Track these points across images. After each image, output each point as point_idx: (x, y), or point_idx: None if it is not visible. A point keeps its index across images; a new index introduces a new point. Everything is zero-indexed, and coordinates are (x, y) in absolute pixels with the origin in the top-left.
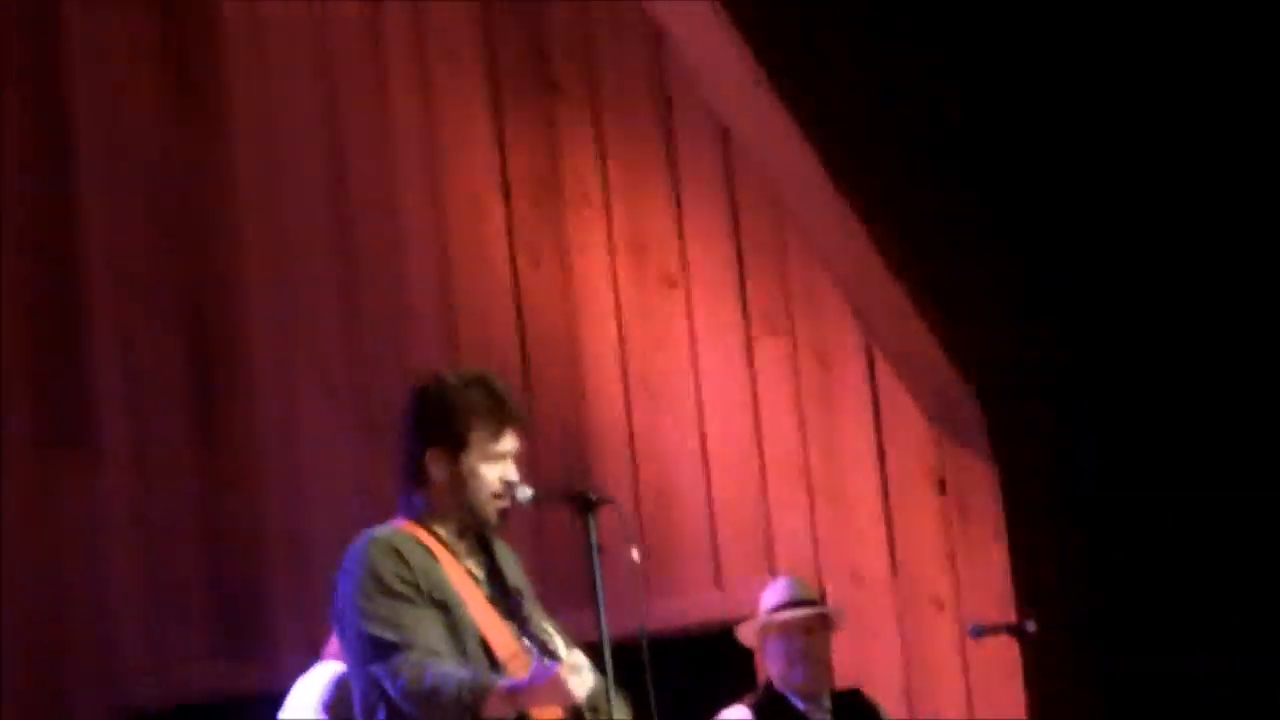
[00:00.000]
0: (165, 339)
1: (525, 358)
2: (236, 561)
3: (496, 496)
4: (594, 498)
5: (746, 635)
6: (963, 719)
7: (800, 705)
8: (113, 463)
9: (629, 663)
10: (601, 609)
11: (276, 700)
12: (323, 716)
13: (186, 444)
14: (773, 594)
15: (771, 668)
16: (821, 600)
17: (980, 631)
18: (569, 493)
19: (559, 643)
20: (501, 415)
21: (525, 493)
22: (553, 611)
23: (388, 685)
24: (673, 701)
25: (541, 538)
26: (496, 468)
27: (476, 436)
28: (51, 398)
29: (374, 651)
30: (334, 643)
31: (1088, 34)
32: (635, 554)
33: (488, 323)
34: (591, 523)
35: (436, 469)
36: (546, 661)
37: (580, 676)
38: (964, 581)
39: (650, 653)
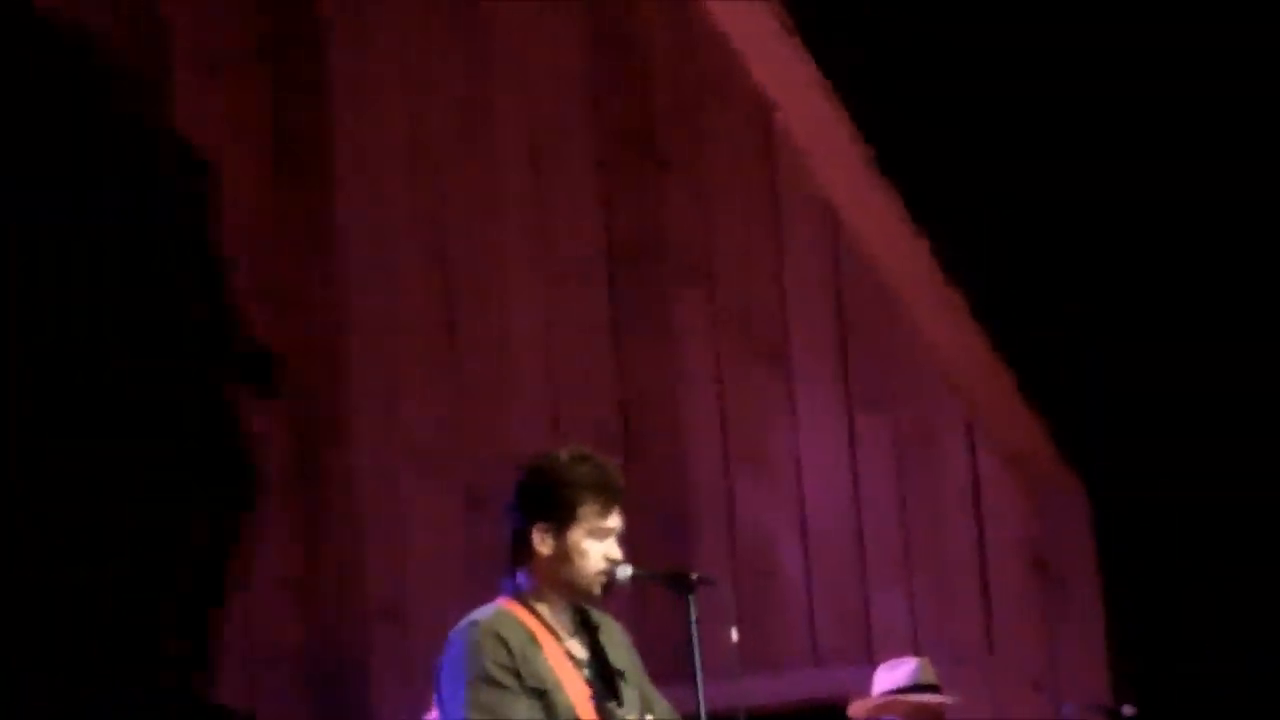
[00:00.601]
0: (267, 417)
1: (627, 431)
2: (335, 636)
3: (601, 573)
4: (694, 578)
5: (860, 711)
6: None
7: None
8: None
9: None
10: (700, 687)
11: None
12: None
13: (287, 521)
14: (898, 674)
15: None
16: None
17: (1074, 713)
18: (669, 572)
19: None
20: (609, 492)
21: (625, 571)
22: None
23: None
24: None
25: (645, 612)
26: (602, 545)
27: (584, 512)
28: None
29: None
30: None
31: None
32: (734, 635)
33: (589, 395)
34: (691, 602)
35: (542, 544)
36: None
37: None
38: (1061, 662)
39: None
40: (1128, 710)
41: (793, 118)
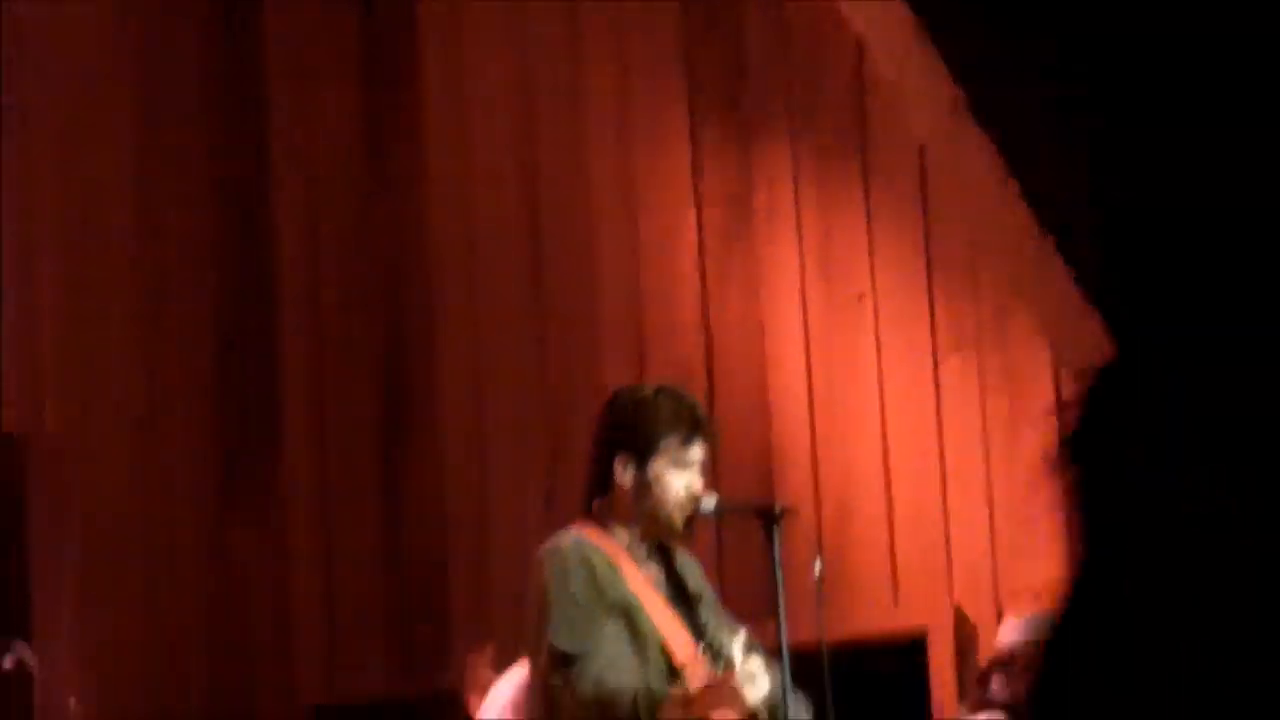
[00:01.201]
0: (356, 385)
1: (711, 372)
2: (418, 590)
3: (681, 505)
4: (778, 510)
5: (1004, 640)
6: None
7: None
8: (298, 501)
9: (807, 674)
10: (782, 620)
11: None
12: (510, 715)
13: (372, 482)
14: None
15: (1021, 691)
16: None
17: None
18: (753, 504)
19: (736, 650)
20: (691, 425)
21: (710, 503)
22: (737, 619)
23: (566, 696)
24: (849, 714)
25: (723, 552)
26: (683, 476)
27: (666, 444)
28: (242, 439)
29: (555, 661)
30: None
31: None
32: (818, 567)
33: (675, 336)
34: (775, 535)
35: (623, 475)
36: (721, 669)
37: (755, 684)
38: None
39: (828, 665)
40: None
41: (882, 57)
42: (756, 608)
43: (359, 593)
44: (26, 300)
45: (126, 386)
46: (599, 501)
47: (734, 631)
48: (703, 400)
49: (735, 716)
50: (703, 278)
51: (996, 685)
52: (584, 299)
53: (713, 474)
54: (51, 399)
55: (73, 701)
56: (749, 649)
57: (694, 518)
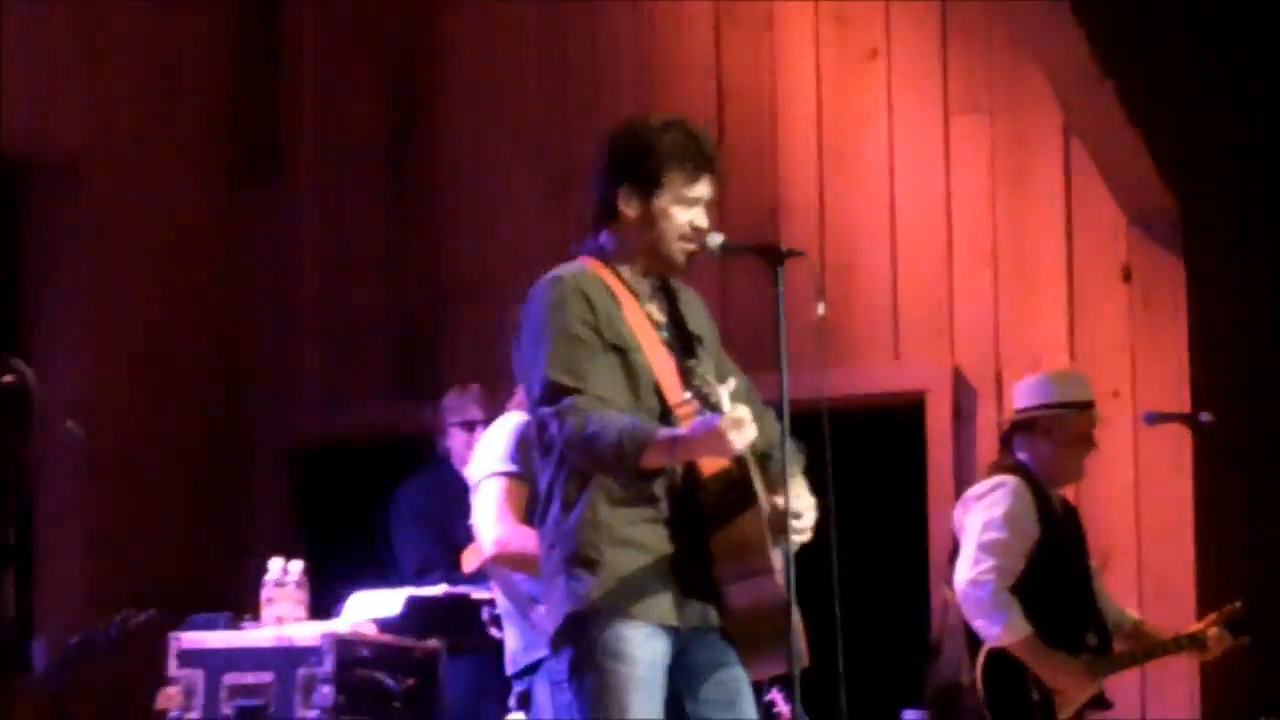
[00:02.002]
0: (366, 82)
1: (721, 120)
2: (418, 304)
3: (684, 240)
4: (784, 250)
5: (1022, 403)
6: (1130, 507)
7: (1050, 494)
8: (303, 199)
9: (807, 430)
10: (784, 364)
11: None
12: (510, 467)
13: (377, 187)
14: (1079, 388)
15: (1044, 453)
16: None
17: (1155, 419)
18: (758, 244)
19: (724, 396)
20: (698, 159)
21: (716, 239)
22: (738, 362)
23: (554, 429)
24: (847, 472)
25: (726, 297)
26: (688, 212)
27: (671, 178)
28: (248, 133)
29: (547, 394)
30: (519, 395)
31: None
32: (820, 308)
33: (685, 83)
34: (779, 274)
35: (628, 208)
36: (708, 413)
37: (742, 430)
38: (1141, 373)
39: (828, 424)
40: (1205, 417)
41: None
42: (759, 357)
43: (360, 305)
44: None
45: (136, 99)
46: (604, 234)
47: (724, 378)
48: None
49: (721, 461)
50: (716, 23)
51: (1019, 446)
52: (596, 34)
53: (717, 221)
54: (58, 111)
55: (70, 422)
56: (737, 396)
57: (696, 255)
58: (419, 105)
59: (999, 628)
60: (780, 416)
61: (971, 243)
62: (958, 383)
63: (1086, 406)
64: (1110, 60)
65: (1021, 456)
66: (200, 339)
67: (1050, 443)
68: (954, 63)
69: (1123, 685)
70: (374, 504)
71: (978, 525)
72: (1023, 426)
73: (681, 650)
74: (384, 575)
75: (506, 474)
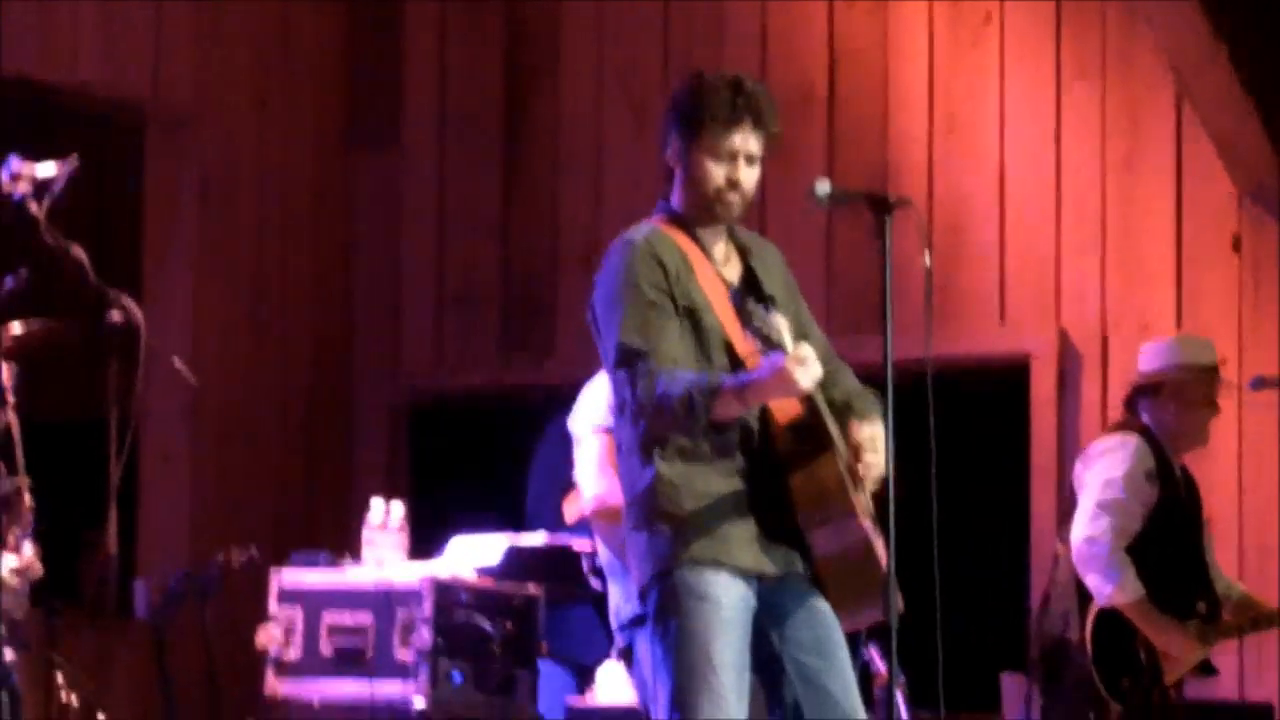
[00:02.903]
0: (484, 47)
1: (833, 86)
2: (530, 264)
3: (720, 195)
4: (891, 198)
5: (1149, 365)
6: (1232, 475)
7: (1172, 458)
8: (418, 163)
9: (909, 389)
10: (888, 311)
11: (559, 396)
12: (612, 422)
13: (493, 152)
14: (1207, 351)
15: (1169, 415)
16: None
17: (1260, 384)
18: (866, 192)
19: (785, 336)
20: (731, 110)
21: (824, 188)
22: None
23: (626, 393)
24: (950, 435)
25: (832, 260)
26: (723, 166)
27: (707, 128)
28: (365, 95)
29: (620, 357)
30: None
31: None
32: (927, 258)
33: (800, 48)
34: (887, 223)
35: (675, 162)
36: (772, 354)
37: (806, 367)
38: (1248, 342)
39: (931, 383)
40: None
41: None
42: (862, 320)
43: (473, 269)
44: None
45: (253, 57)
46: (672, 193)
47: (803, 335)
48: (822, 114)
49: (794, 409)
50: None
51: (1144, 409)
52: (712, 4)
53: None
54: (175, 66)
55: (176, 359)
56: (799, 335)
57: (737, 207)
58: (537, 71)
59: (1112, 586)
60: (884, 370)
61: (1080, 209)
62: (1063, 348)
63: (1213, 370)
64: (1224, 28)
65: (1145, 419)
66: (312, 296)
67: (1177, 405)
68: (1067, 29)
69: (1222, 657)
70: (481, 456)
71: (1098, 483)
72: (1149, 389)
73: (769, 599)
74: (490, 526)
75: (608, 429)
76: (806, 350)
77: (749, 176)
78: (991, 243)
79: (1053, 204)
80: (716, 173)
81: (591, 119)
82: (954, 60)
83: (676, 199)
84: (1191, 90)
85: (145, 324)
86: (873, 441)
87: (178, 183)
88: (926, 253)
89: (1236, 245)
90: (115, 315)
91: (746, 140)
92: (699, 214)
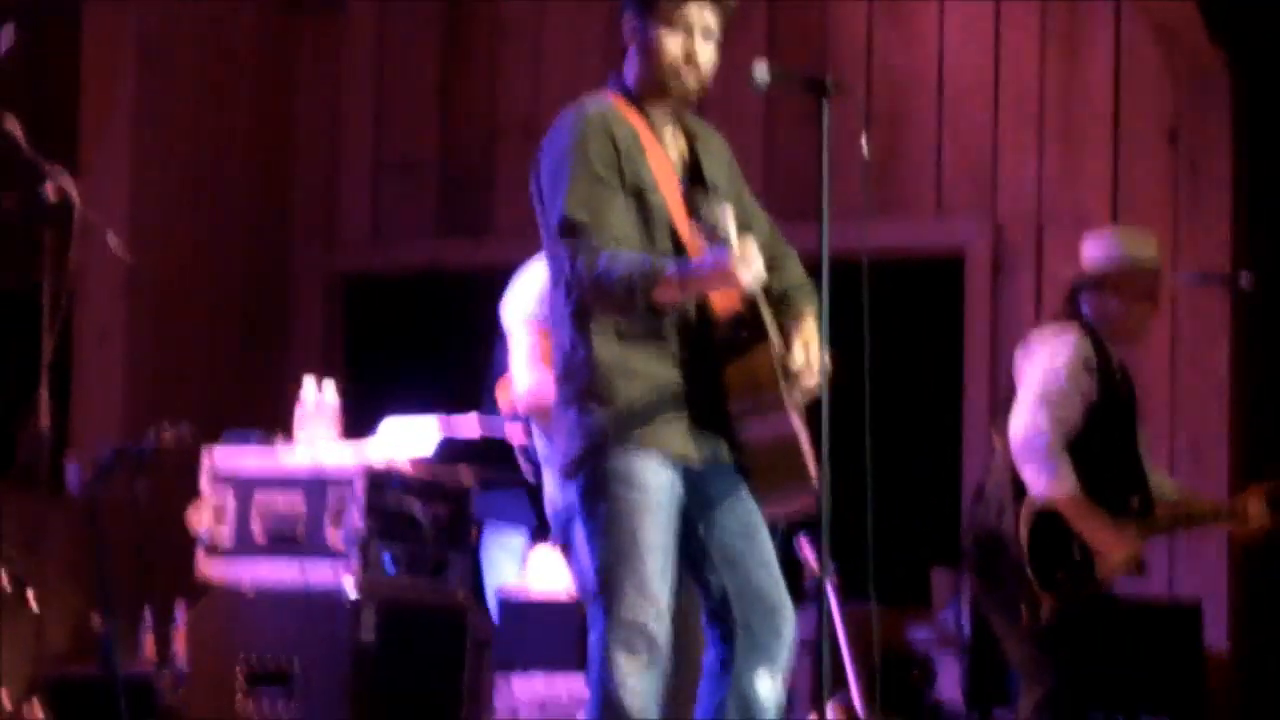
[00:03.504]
0: None
1: None
2: (468, 143)
3: (677, 71)
4: (829, 82)
5: (1092, 257)
6: (1165, 370)
7: (1111, 351)
8: (360, 30)
9: (846, 277)
10: (824, 196)
11: (493, 279)
12: (545, 310)
13: (434, 21)
14: (1150, 247)
15: (1111, 309)
16: None
17: (1193, 280)
18: (804, 75)
19: (730, 230)
20: None
21: (762, 71)
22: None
23: (567, 265)
24: (884, 326)
25: (770, 147)
26: (679, 40)
27: (666, 2)
28: None
29: (563, 229)
30: None
31: None
32: (864, 146)
33: None
34: (824, 106)
35: (631, 37)
36: (716, 246)
37: (749, 264)
38: (1184, 235)
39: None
40: (1245, 280)
41: None
42: (801, 207)
43: (411, 140)
44: None
45: None
46: (626, 67)
47: (747, 221)
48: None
49: (732, 297)
50: None
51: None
52: None
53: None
54: None
55: (110, 235)
56: (760, 235)
57: (692, 85)
58: None
59: (1047, 478)
60: (820, 253)
61: (1019, 100)
62: (998, 240)
63: (1155, 266)
64: None
65: (1086, 311)
66: (249, 165)
67: (1119, 299)
68: None
69: (1153, 553)
70: (417, 333)
71: (1038, 373)
72: (1091, 281)
73: (695, 484)
74: (426, 404)
75: (539, 321)
76: (751, 246)
77: (706, 52)
78: (930, 131)
79: (991, 94)
80: (673, 46)
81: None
82: None
83: (631, 75)
84: None
85: (81, 197)
86: (808, 348)
87: (116, 50)
88: (864, 142)
89: (1173, 138)
90: (49, 189)
91: (703, 13)
92: (653, 92)
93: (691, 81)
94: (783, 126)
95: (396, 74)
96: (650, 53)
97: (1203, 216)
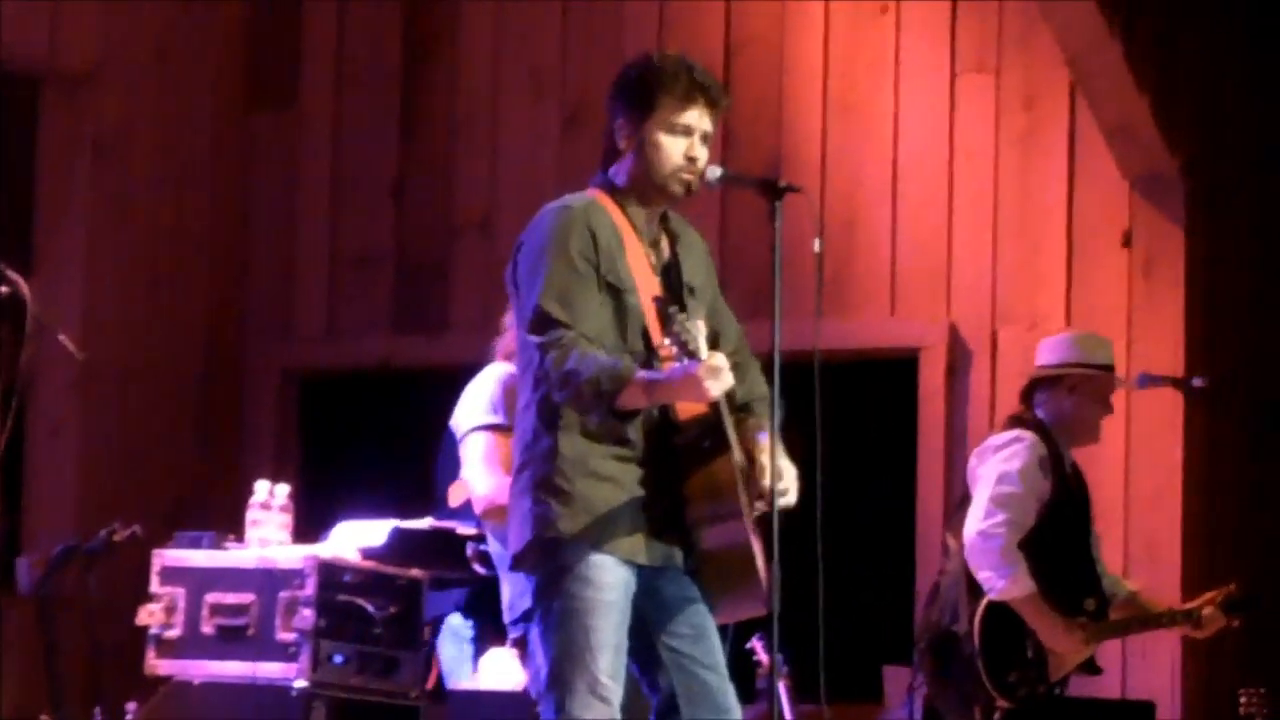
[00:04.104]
0: (383, 10)
1: (729, 66)
2: (426, 238)
3: (677, 171)
4: (783, 184)
5: (1048, 359)
6: (1119, 472)
7: (1065, 452)
8: (316, 126)
9: (800, 377)
10: (778, 295)
11: (448, 376)
12: (496, 418)
13: (390, 117)
14: (1105, 350)
15: (1065, 411)
16: None
17: (1147, 381)
18: (758, 177)
19: (701, 341)
20: (690, 87)
21: (715, 171)
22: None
23: (536, 357)
24: (836, 420)
25: (726, 244)
26: (680, 141)
27: (662, 103)
28: (265, 55)
29: (536, 321)
30: (503, 343)
31: None
32: (817, 245)
33: (698, 26)
34: (777, 209)
35: (624, 138)
36: (686, 359)
37: (718, 377)
38: (1137, 337)
39: (819, 370)
40: (1198, 382)
41: None
42: (755, 307)
43: (368, 236)
44: None
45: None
46: (611, 168)
47: (718, 325)
48: None
49: (698, 406)
50: None
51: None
52: None
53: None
54: (75, 22)
55: (62, 336)
56: (729, 343)
57: (692, 187)
58: (435, 36)
59: (1004, 581)
60: (772, 355)
61: (973, 201)
62: (953, 340)
63: (1110, 369)
64: (1120, 20)
65: (1040, 413)
66: (205, 260)
67: (1073, 401)
68: (964, 19)
69: (1106, 653)
70: (371, 431)
71: (992, 477)
72: (1046, 382)
73: (649, 586)
74: (377, 504)
75: (492, 426)
76: (720, 360)
77: (704, 154)
78: (884, 234)
79: (945, 197)
80: (675, 148)
81: (489, 85)
82: (850, 46)
83: (622, 175)
84: (1086, 83)
85: (33, 293)
86: (783, 474)
87: (73, 142)
88: (817, 240)
89: (1127, 241)
90: (2, 287)
91: (702, 117)
92: (647, 192)
93: (691, 184)
94: (736, 226)
95: (352, 169)
96: (651, 154)
97: (1157, 318)
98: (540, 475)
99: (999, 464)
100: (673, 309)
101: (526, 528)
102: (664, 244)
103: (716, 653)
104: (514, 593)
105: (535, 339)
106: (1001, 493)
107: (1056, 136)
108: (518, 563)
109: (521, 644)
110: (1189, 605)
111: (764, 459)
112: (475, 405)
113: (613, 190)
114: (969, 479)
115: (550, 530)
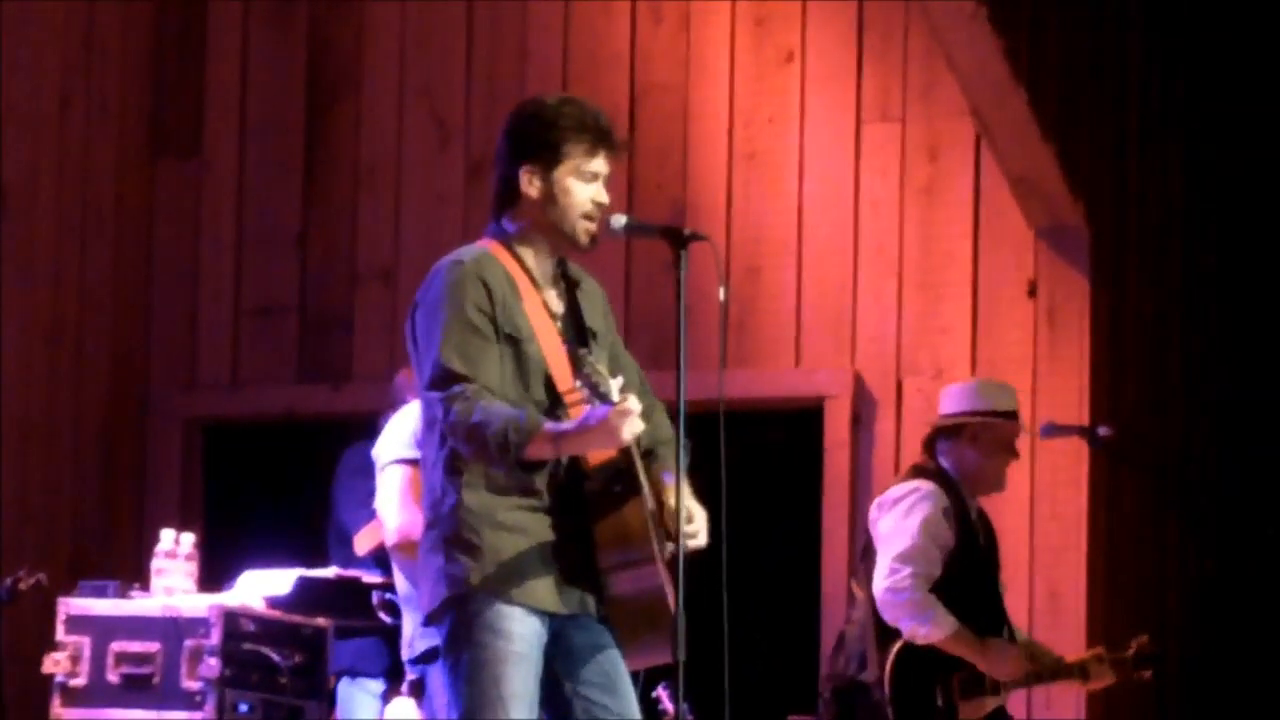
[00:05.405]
0: (287, 59)
1: (633, 115)
2: (328, 289)
3: (587, 217)
4: (687, 233)
5: (950, 408)
6: (1025, 520)
7: (969, 501)
8: (220, 175)
9: (704, 427)
10: (682, 342)
11: (352, 425)
12: (415, 453)
13: (294, 166)
14: (1008, 397)
15: (968, 459)
16: None
17: (1052, 431)
18: (663, 226)
19: (613, 386)
20: (596, 133)
21: (619, 220)
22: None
23: (439, 412)
24: (741, 469)
25: (630, 295)
26: (589, 188)
27: (569, 150)
28: (168, 105)
29: (437, 377)
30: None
31: None
32: (722, 293)
33: (602, 75)
34: (682, 257)
35: (529, 186)
36: (597, 404)
37: (629, 422)
38: (1042, 387)
39: (724, 419)
40: (1103, 432)
41: None
42: (659, 356)
43: (272, 284)
44: None
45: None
46: (505, 217)
47: (618, 370)
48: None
49: (607, 451)
50: (634, 18)
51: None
52: (518, 23)
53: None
54: None
55: None
56: (630, 388)
57: (598, 234)
58: (339, 86)
59: (927, 626)
60: (677, 403)
61: (878, 251)
62: (858, 390)
63: (1013, 416)
64: (1023, 69)
65: (944, 462)
66: (109, 309)
67: (976, 449)
68: (869, 69)
69: (1011, 705)
70: (276, 479)
71: (893, 531)
72: (949, 431)
73: (559, 634)
74: (282, 553)
75: (410, 460)
76: (633, 403)
77: (607, 198)
78: (789, 283)
79: (850, 246)
80: (583, 194)
81: (393, 133)
82: (755, 96)
83: (511, 223)
84: (990, 133)
85: None
86: (694, 515)
87: None
88: (722, 289)
89: (1032, 290)
90: None
91: (606, 162)
92: (549, 239)
93: (596, 229)
94: (640, 274)
95: (256, 218)
96: (562, 200)
97: (1061, 368)
98: (449, 531)
99: (898, 517)
100: (583, 351)
101: (441, 586)
102: (562, 290)
103: (629, 701)
104: (414, 633)
105: (438, 394)
106: (905, 548)
107: (961, 186)
108: (430, 620)
109: (418, 687)
110: (1077, 662)
111: (672, 501)
112: (397, 438)
113: (506, 239)
114: (870, 528)
115: (460, 586)
